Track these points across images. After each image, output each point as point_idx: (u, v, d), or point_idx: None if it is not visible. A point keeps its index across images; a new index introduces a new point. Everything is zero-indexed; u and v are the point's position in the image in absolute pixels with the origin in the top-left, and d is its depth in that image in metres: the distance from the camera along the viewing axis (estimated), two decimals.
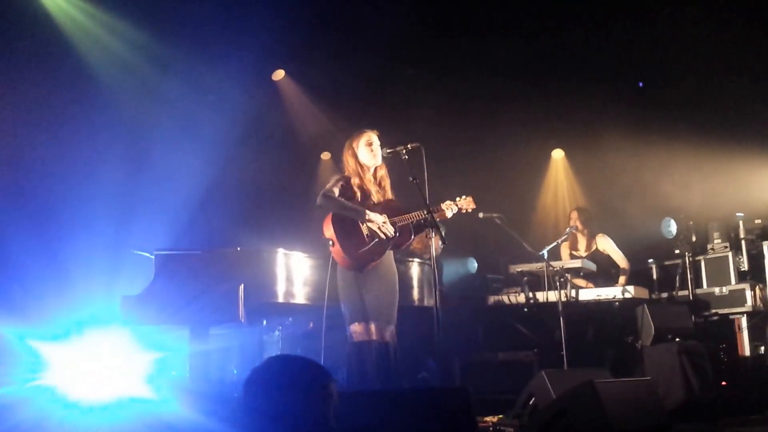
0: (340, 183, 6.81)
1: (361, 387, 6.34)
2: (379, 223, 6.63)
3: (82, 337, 7.85)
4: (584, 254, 9.77)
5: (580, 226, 9.81)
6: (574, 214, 9.93)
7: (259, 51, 10.71)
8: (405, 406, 4.60)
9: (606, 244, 9.81)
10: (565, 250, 9.94)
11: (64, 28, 9.35)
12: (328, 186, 6.80)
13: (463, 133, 11.67)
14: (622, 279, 9.47)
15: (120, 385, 7.13)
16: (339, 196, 6.75)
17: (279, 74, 11.98)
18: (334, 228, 6.66)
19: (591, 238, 9.88)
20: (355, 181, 6.83)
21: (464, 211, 7.05)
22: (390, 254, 6.86)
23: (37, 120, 9.04)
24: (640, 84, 11.85)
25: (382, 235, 6.62)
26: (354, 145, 6.91)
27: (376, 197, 6.84)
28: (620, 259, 9.74)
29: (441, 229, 6.75)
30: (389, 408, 4.55)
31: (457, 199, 6.99)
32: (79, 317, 8.10)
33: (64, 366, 7.51)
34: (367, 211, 6.65)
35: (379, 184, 6.95)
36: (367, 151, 6.84)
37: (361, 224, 6.66)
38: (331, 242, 6.68)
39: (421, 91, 11.49)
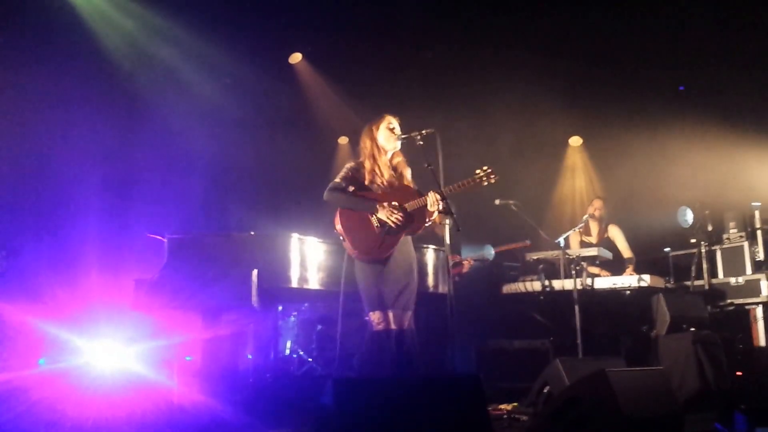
0: (349, 172, 6.72)
1: (376, 374, 6.32)
2: (387, 212, 6.57)
3: (95, 321, 7.90)
4: (595, 241, 9.74)
5: (597, 215, 9.79)
6: (598, 203, 9.88)
7: (275, 34, 10.72)
8: (416, 393, 4.59)
9: (615, 233, 9.78)
10: (576, 237, 9.88)
11: (78, 10, 9.35)
12: (336, 178, 6.72)
13: (480, 119, 11.62)
14: (629, 269, 9.42)
15: (133, 369, 7.17)
16: (348, 184, 6.69)
17: (296, 57, 11.96)
18: (342, 223, 6.57)
19: (604, 227, 9.85)
20: (367, 165, 6.72)
21: (485, 182, 6.89)
22: (408, 240, 6.77)
23: (49, 104, 9.07)
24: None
25: (392, 224, 6.56)
26: (374, 128, 6.80)
27: (388, 181, 6.76)
28: (625, 249, 9.72)
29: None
30: (400, 395, 4.53)
31: (477, 171, 6.85)
32: (91, 301, 8.15)
33: (78, 349, 7.56)
34: (376, 204, 6.57)
35: (395, 170, 6.86)
36: (388, 134, 6.72)
37: (370, 216, 6.58)
38: (341, 237, 6.60)
39: (439, 77, 11.46)
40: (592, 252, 9.04)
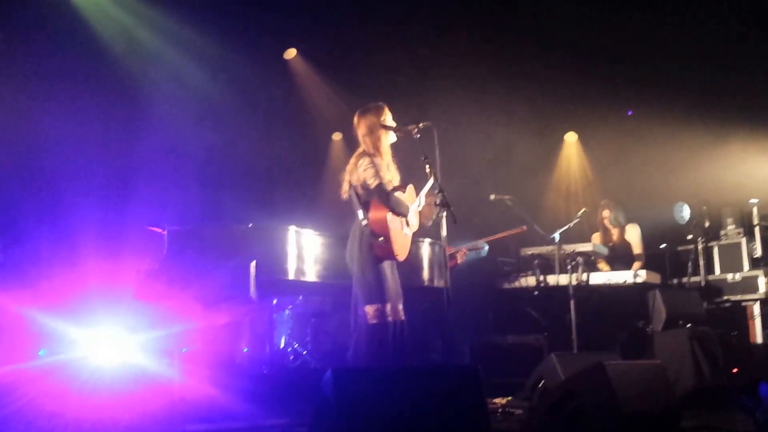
0: (380, 171, 6.53)
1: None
2: (414, 211, 6.57)
3: (94, 311, 7.89)
4: (613, 245, 9.76)
5: (611, 225, 9.81)
6: (607, 213, 9.89)
7: (270, 29, 10.71)
8: (413, 384, 4.59)
9: (632, 234, 9.78)
10: (596, 242, 9.87)
11: (76, 4, 9.34)
12: (378, 178, 6.45)
13: (475, 115, 11.61)
14: (636, 264, 9.44)
15: (132, 360, 7.16)
16: None
17: (291, 53, 11.96)
18: (389, 224, 6.42)
19: (622, 230, 9.86)
20: (383, 160, 6.61)
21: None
22: None
23: (47, 97, 9.06)
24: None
25: (416, 226, 6.57)
26: (382, 119, 6.64)
27: (396, 179, 6.73)
28: (637, 247, 9.73)
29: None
30: (399, 385, 4.54)
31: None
32: (91, 292, 8.14)
33: (78, 340, 7.56)
34: (409, 206, 6.57)
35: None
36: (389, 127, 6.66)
37: (403, 217, 6.55)
38: (382, 238, 6.41)
39: (434, 72, 11.45)
40: (587, 247, 9.06)
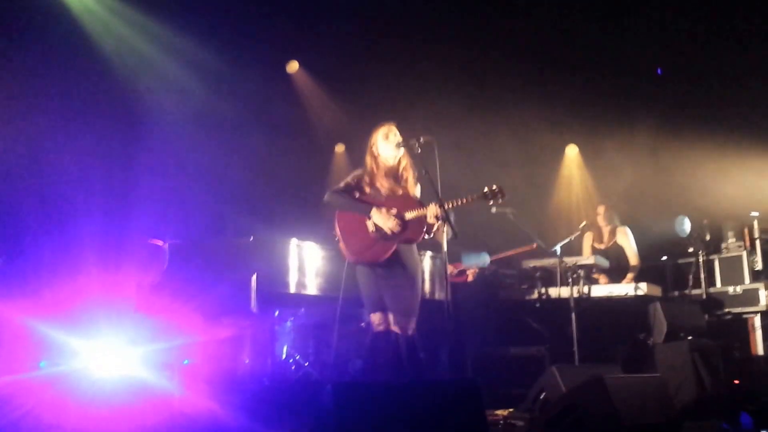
0: (353, 180, 6.79)
1: (378, 377, 6.34)
2: (383, 218, 6.58)
3: (95, 324, 7.90)
4: (604, 248, 9.77)
5: (601, 221, 9.83)
6: (601, 209, 9.92)
7: (273, 42, 10.73)
8: (413, 397, 4.60)
9: (623, 239, 9.78)
10: (587, 241, 9.92)
11: (77, 17, 9.37)
12: (340, 183, 6.81)
13: (476, 128, 11.62)
14: (629, 275, 9.44)
15: (132, 372, 7.17)
16: (351, 190, 6.74)
17: (293, 66, 11.98)
18: (339, 225, 6.68)
19: (613, 232, 9.86)
20: (366, 178, 6.76)
21: (491, 201, 6.88)
22: (412, 248, 6.73)
23: (50, 111, 9.08)
24: (659, 71, 11.81)
25: (388, 231, 6.55)
26: (372, 140, 6.81)
27: (390, 191, 6.75)
28: (632, 255, 9.72)
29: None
30: (399, 399, 4.55)
31: (485, 189, 6.84)
32: (92, 305, 8.15)
33: (78, 352, 7.56)
34: (373, 208, 6.59)
35: (400, 177, 6.82)
36: (386, 144, 6.74)
37: (366, 219, 6.59)
38: (337, 238, 6.69)
39: (436, 85, 11.46)
40: (588, 261, 9.06)
